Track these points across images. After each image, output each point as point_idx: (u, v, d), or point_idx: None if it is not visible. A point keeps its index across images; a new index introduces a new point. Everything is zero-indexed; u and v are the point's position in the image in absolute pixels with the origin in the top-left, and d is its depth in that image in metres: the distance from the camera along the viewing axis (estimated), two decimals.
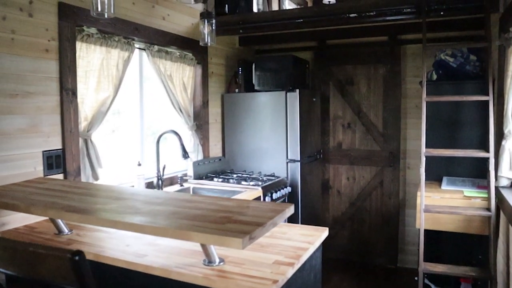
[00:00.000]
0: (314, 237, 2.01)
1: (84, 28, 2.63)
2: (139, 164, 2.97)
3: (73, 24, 2.52)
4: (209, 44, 2.93)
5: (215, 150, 4.05)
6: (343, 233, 4.56)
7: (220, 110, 4.13)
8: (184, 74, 3.59)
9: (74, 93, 2.55)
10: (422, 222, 2.78)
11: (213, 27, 2.86)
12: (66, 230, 2.06)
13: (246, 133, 3.99)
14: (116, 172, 3.06)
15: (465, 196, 2.88)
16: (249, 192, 3.13)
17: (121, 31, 2.87)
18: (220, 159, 3.91)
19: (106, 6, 1.98)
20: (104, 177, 2.92)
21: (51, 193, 1.95)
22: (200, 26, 2.85)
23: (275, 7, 5.08)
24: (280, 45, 4.62)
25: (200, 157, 3.73)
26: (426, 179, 3.18)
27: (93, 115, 2.73)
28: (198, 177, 3.52)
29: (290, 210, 1.61)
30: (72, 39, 2.52)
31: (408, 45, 4.16)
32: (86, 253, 1.85)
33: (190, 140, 3.67)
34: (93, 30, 2.70)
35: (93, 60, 2.72)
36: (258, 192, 3.17)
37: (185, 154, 3.04)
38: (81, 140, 2.64)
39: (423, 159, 2.85)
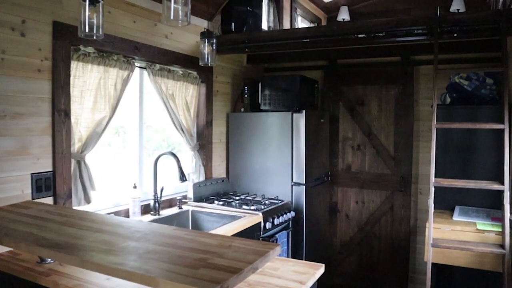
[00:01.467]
0: (308, 275, 1.86)
1: (81, 47, 2.57)
2: (135, 187, 2.88)
3: (68, 43, 2.46)
4: (209, 64, 2.84)
5: (219, 170, 3.94)
6: (350, 259, 4.37)
7: (225, 129, 4.03)
8: (187, 93, 3.51)
9: (67, 114, 2.47)
10: (430, 256, 2.60)
11: (214, 47, 2.77)
12: (48, 259, 1.97)
13: (251, 154, 3.88)
14: (112, 194, 2.97)
15: (478, 229, 2.70)
16: (249, 217, 3.00)
17: (120, 50, 2.81)
18: (223, 180, 3.80)
19: (94, 27, 1.90)
20: (99, 200, 2.84)
21: (31, 221, 1.85)
22: (200, 46, 2.77)
23: (286, 24, 5.00)
24: (289, 64, 4.51)
25: (202, 178, 3.63)
26: (437, 208, 3.01)
27: (88, 136, 2.65)
28: (198, 199, 3.41)
29: (276, 251, 1.47)
30: (67, 58, 2.46)
31: (421, 65, 4.01)
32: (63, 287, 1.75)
33: (192, 160, 3.57)
34: (90, 49, 2.64)
35: (89, 79, 2.65)
36: (259, 217, 3.04)
37: (183, 177, 2.94)
38: (73, 162, 2.56)
39: (432, 190, 2.68)
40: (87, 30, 1.89)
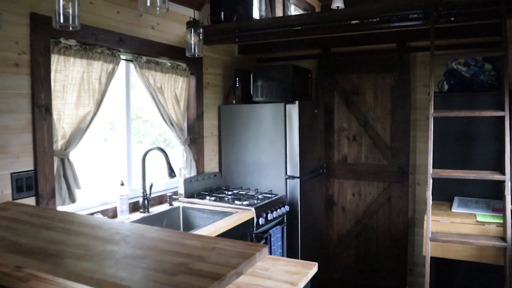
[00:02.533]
0: (300, 275, 1.77)
1: (61, 40, 2.45)
2: (122, 184, 2.78)
3: (47, 36, 2.34)
4: (196, 55, 2.72)
5: (211, 164, 3.84)
6: (348, 252, 4.30)
7: (217, 122, 3.92)
8: (176, 85, 3.40)
9: (48, 110, 2.37)
10: (429, 251, 2.52)
11: (201, 37, 2.66)
12: None
13: (244, 147, 3.78)
14: (99, 191, 2.87)
15: (478, 221, 2.61)
16: (241, 213, 2.91)
17: (104, 42, 2.69)
18: (215, 175, 3.70)
19: (70, 17, 1.78)
20: (86, 198, 2.74)
21: (8, 224, 1.76)
22: (187, 36, 2.65)
23: (279, 13, 4.88)
24: (282, 54, 4.40)
25: (194, 173, 3.53)
26: (436, 199, 2.92)
27: (72, 133, 2.55)
28: (189, 195, 3.31)
29: (262, 253, 1.38)
30: (46, 52, 2.34)
31: (418, 52, 3.89)
32: None
33: (183, 155, 3.47)
34: (72, 42, 2.52)
35: (72, 73, 2.54)
36: (251, 213, 2.95)
37: (172, 173, 2.84)
38: (57, 160, 2.46)
39: (430, 181, 2.59)
40: (61, 21, 1.78)
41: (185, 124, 3.59)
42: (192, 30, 2.62)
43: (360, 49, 4.09)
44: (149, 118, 3.43)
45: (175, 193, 3.34)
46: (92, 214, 2.57)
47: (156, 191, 3.29)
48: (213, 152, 3.87)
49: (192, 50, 2.67)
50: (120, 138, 3.05)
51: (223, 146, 3.90)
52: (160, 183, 3.35)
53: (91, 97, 2.64)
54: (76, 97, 2.58)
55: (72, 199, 2.50)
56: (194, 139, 3.59)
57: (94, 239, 1.54)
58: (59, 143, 2.48)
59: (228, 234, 2.64)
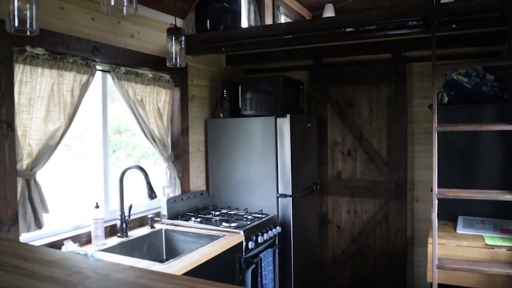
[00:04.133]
0: None
1: (27, 48, 2.21)
2: (97, 206, 2.52)
3: (9, 43, 2.09)
4: (178, 65, 2.50)
5: (198, 182, 3.59)
6: (344, 273, 4.05)
7: (204, 137, 3.68)
8: (159, 98, 3.17)
9: (10, 126, 2.11)
10: (435, 280, 2.29)
11: (183, 45, 2.44)
12: None
13: (232, 163, 3.54)
14: (72, 214, 2.61)
15: (486, 244, 2.39)
16: (229, 237, 2.66)
17: (76, 51, 2.45)
18: (202, 194, 3.45)
19: (27, 21, 1.55)
20: (57, 222, 2.48)
21: None
22: (168, 44, 2.43)
23: (268, 23, 4.68)
24: (273, 64, 4.19)
25: (178, 192, 3.27)
26: (438, 218, 2.70)
27: (40, 151, 2.29)
28: (173, 216, 3.06)
29: None
30: (8, 61, 2.10)
31: (414, 63, 3.71)
32: None
33: (166, 173, 3.23)
34: (39, 50, 2.28)
35: (40, 85, 2.30)
36: (240, 236, 2.70)
37: (152, 194, 2.59)
38: (21, 181, 2.20)
39: (435, 202, 2.36)
40: (16, 24, 1.54)
41: (169, 140, 3.35)
42: (173, 38, 2.40)
43: (354, 59, 3.90)
44: (138, 131, 3.16)
45: (158, 214, 3.08)
46: (62, 240, 2.31)
47: (137, 212, 3.03)
48: (199, 169, 3.63)
49: (174, 60, 2.44)
50: (97, 155, 2.79)
51: (210, 163, 3.66)
52: (142, 204, 3.10)
53: (61, 111, 2.39)
54: (45, 111, 2.33)
55: (39, 225, 2.24)
56: (178, 155, 3.35)
57: (48, 281, 1.29)
58: (24, 162, 2.22)
59: (215, 262, 2.39)
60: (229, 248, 2.56)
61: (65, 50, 2.38)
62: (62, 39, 2.36)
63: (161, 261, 2.66)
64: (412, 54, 3.68)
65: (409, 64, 3.72)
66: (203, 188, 3.66)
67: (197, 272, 2.21)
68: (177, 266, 2.11)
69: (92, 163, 2.79)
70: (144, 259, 2.64)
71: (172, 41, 2.40)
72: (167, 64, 2.50)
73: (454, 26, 2.51)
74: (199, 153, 3.62)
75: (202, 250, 2.37)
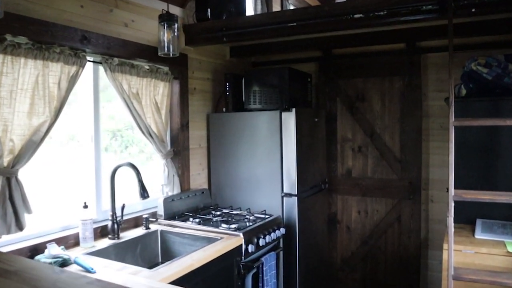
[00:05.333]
0: None
1: (7, 36, 2.06)
2: (85, 206, 2.36)
3: None
4: (170, 55, 2.32)
5: (199, 180, 3.42)
6: (353, 276, 3.84)
7: (206, 133, 3.51)
8: (156, 91, 3.00)
9: None
10: None
11: (176, 33, 2.26)
12: None
13: (235, 160, 3.36)
14: (60, 214, 2.46)
15: (509, 252, 2.16)
16: (227, 239, 2.48)
17: (63, 40, 2.29)
18: (202, 192, 3.27)
19: None
20: (44, 223, 2.34)
21: None
22: (159, 32, 2.25)
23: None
24: (279, 56, 4.00)
25: (177, 190, 3.11)
26: (455, 221, 2.47)
27: (22, 146, 2.14)
28: (170, 216, 2.89)
29: None
30: None
31: (430, 53, 3.47)
32: None
33: (164, 170, 3.06)
34: (21, 39, 2.12)
35: (23, 76, 2.14)
36: (239, 239, 2.52)
37: (144, 193, 2.42)
38: (1, 179, 2.05)
39: (452, 205, 2.14)
40: None
41: (168, 135, 3.19)
42: (165, 25, 2.21)
43: (365, 50, 3.68)
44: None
45: (154, 214, 2.91)
46: (46, 243, 2.15)
47: (132, 212, 2.88)
48: (201, 166, 3.45)
49: (166, 49, 2.26)
50: (87, 152, 2.64)
51: (212, 159, 3.48)
52: (138, 203, 2.94)
53: (46, 104, 2.23)
54: (29, 105, 2.18)
55: (20, 226, 2.09)
56: (178, 151, 3.18)
57: None
58: (4, 159, 2.07)
59: (210, 267, 2.22)
60: (227, 252, 2.38)
61: (51, 39, 2.22)
62: (47, 27, 2.19)
63: (156, 264, 2.51)
64: (427, 44, 3.44)
65: (424, 55, 3.48)
66: (205, 186, 3.49)
67: (188, 279, 2.04)
68: (167, 273, 1.94)
69: (83, 160, 2.63)
70: (135, 263, 2.49)
71: (164, 28, 2.21)
72: (159, 53, 2.32)
73: (473, 10, 2.27)
74: (200, 149, 3.44)
75: (195, 255, 2.19)
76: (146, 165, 3.16)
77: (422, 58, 3.49)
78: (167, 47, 2.25)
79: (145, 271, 1.96)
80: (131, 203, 2.86)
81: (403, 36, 3.24)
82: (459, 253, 2.23)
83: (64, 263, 2.03)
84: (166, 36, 2.22)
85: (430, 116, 3.51)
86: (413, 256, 3.56)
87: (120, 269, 1.98)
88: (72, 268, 2.00)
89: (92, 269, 1.94)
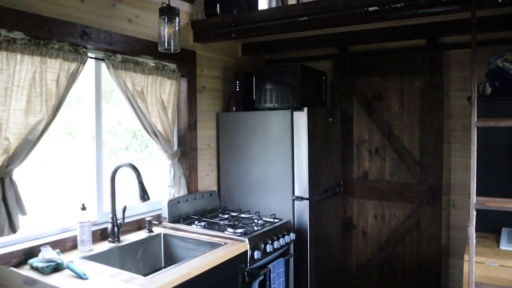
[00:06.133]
0: None
1: (2, 32, 1.98)
2: (83, 208, 2.27)
3: None
4: (172, 50, 2.20)
5: (208, 181, 3.31)
6: (369, 284, 3.66)
7: (215, 132, 3.39)
8: (162, 89, 2.90)
9: None
10: None
11: (177, 27, 2.14)
12: None
13: (245, 161, 3.23)
14: (58, 216, 2.37)
15: None
16: (231, 245, 2.35)
17: (61, 36, 2.20)
18: (210, 194, 3.16)
19: None
20: (42, 224, 2.26)
21: None
22: (159, 27, 2.14)
23: None
24: (294, 54, 3.85)
25: (183, 192, 3.00)
26: (478, 230, 2.29)
27: (18, 146, 2.06)
28: (175, 219, 2.78)
29: None
30: None
31: (452, 50, 3.27)
32: None
33: (170, 171, 2.95)
34: (17, 34, 2.04)
35: (19, 73, 2.06)
36: (243, 245, 2.38)
37: (144, 195, 2.32)
38: None
39: (473, 214, 1.96)
40: None
41: (175, 135, 3.08)
42: (166, 19, 2.10)
43: (383, 47, 3.50)
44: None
45: (159, 216, 2.81)
46: (41, 245, 2.07)
47: (136, 214, 2.79)
48: (210, 167, 3.34)
49: (166, 44, 2.15)
50: (89, 151, 2.55)
51: (221, 160, 3.36)
52: (142, 205, 2.84)
53: (44, 102, 2.15)
54: (26, 102, 2.10)
55: (13, 229, 2.01)
56: (185, 152, 3.07)
57: None
58: None
59: (210, 274, 2.09)
60: (230, 259, 2.25)
61: (48, 34, 2.14)
62: (43, 23, 2.11)
63: (159, 269, 2.40)
64: (449, 39, 3.24)
65: (446, 52, 3.28)
66: (214, 188, 3.37)
67: (188, 287, 1.92)
68: (162, 281, 1.82)
69: (84, 161, 2.55)
70: (135, 268, 2.40)
71: (165, 22, 2.10)
72: (159, 49, 2.21)
73: (499, 1, 2.08)
74: (209, 150, 3.33)
75: (195, 262, 2.06)
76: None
77: (444, 55, 3.29)
78: (167, 42, 2.14)
79: (139, 278, 1.84)
80: (136, 205, 2.77)
81: (423, 32, 3.05)
82: (482, 265, 2.04)
83: (57, 267, 1.94)
84: (166, 30, 2.11)
85: (452, 117, 3.31)
86: (433, 264, 3.36)
87: (113, 275, 1.87)
88: (65, 273, 1.91)
89: (84, 275, 1.85)
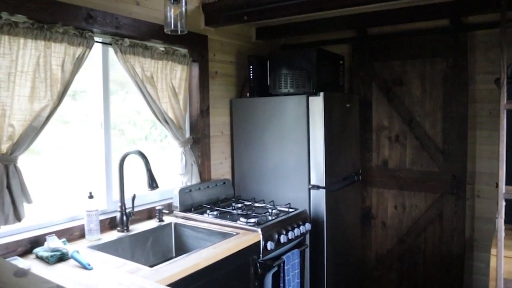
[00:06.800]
0: None
1: (3, 15, 1.91)
2: (91, 196, 2.21)
3: None
4: (179, 32, 2.10)
5: (221, 170, 3.22)
6: (388, 277, 3.54)
7: (229, 119, 3.29)
8: (173, 75, 2.81)
9: None
10: None
11: (184, 7, 2.04)
12: None
13: (259, 149, 3.13)
14: (67, 204, 2.33)
15: None
16: (243, 235, 2.26)
17: (65, 19, 2.13)
18: (224, 183, 3.07)
19: None
20: (49, 213, 2.22)
21: None
22: (165, 8, 2.04)
23: None
24: (310, 38, 3.71)
25: (196, 180, 2.92)
26: (505, 222, 2.14)
27: (22, 133, 2.01)
28: (187, 208, 2.71)
29: None
30: None
31: (478, 31, 3.08)
32: None
33: (182, 159, 2.87)
34: (19, 17, 1.97)
35: (23, 58, 2.00)
36: (256, 235, 2.29)
37: (153, 183, 2.24)
38: None
39: (502, 204, 1.81)
40: None
41: (187, 122, 3.00)
42: (171, 0, 2.00)
43: (404, 28, 3.33)
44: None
45: (170, 205, 2.74)
46: (47, 234, 2.02)
47: (147, 203, 2.73)
48: (223, 155, 3.25)
49: (172, 25, 2.05)
50: (97, 139, 2.49)
51: (235, 148, 3.27)
52: (154, 193, 2.77)
53: (48, 88, 2.09)
54: (30, 88, 2.04)
55: (18, 217, 1.96)
56: (197, 139, 2.99)
57: None
58: (2, 146, 1.94)
59: (219, 266, 2.01)
60: (241, 250, 2.16)
61: (51, 17, 2.06)
62: (46, 5, 2.03)
63: (170, 259, 2.34)
64: (474, 19, 3.05)
65: (471, 33, 3.09)
66: (228, 176, 3.29)
67: (193, 279, 1.84)
68: (168, 272, 1.75)
69: (94, 147, 2.49)
70: (144, 258, 2.34)
71: (171, 2, 2.00)
72: (165, 30, 2.11)
73: None
74: (223, 137, 3.24)
75: (204, 253, 1.98)
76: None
77: (469, 37, 3.10)
78: (174, 23, 2.04)
79: (145, 269, 1.77)
80: (147, 194, 2.70)
81: (447, 11, 2.86)
82: (510, 260, 1.90)
83: (62, 257, 1.89)
84: (172, 11, 2.01)
85: (477, 102, 3.13)
86: (456, 257, 3.21)
87: (119, 266, 1.81)
88: (70, 263, 1.85)
89: (89, 265, 1.79)
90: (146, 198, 2.73)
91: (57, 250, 1.91)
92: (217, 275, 1.99)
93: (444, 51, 3.18)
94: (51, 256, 1.87)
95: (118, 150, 2.56)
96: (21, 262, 1.83)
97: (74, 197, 2.36)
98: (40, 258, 1.90)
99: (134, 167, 2.51)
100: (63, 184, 2.37)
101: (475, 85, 3.13)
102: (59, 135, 2.37)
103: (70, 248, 1.93)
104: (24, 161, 2.04)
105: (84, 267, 1.78)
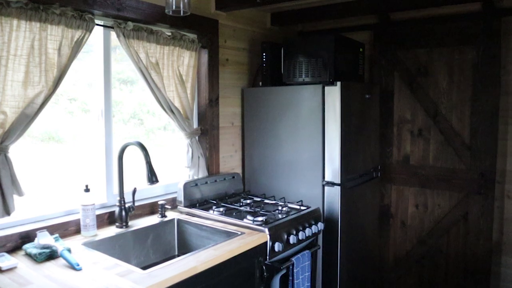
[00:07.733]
0: None
1: None
2: (87, 189, 2.08)
3: None
4: (181, 13, 1.93)
5: (231, 163, 3.06)
6: (407, 280, 3.33)
7: (240, 110, 3.12)
8: (180, 62, 2.65)
9: None
10: None
11: None
12: None
13: (271, 142, 2.95)
14: (63, 197, 2.20)
15: None
16: (248, 236, 2.10)
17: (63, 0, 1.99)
18: (233, 177, 2.91)
19: None
20: (44, 206, 2.10)
21: None
22: None
23: None
24: (329, 24, 3.49)
25: (203, 174, 2.77)
26: None
27: (14, 120, 1.88)
28: (191, 203, 2.56)
29: None
30: None
31: None
32: None
33: (188, 151, 2.72)
34: None
35: (16, 41, 1.87)
36: (263, 236, 2.12)
37: (152, 177, 2.09)
38: None
39: None
40: None
41: (195, 112, 2.85)
42: None
43: (430, 14, 3.08)
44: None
45: (174, 200, 2.60)
46: (40, 229, 1.90)
47: (150, 197, 2.60)
48: (233, 147, 3.09)
49: (174, 5, 1.88)
50: (97, 129, 2.35)
51: (246, 140, 3.10)
52: (158, 187, 2.64)
53: (43, 73, 1.96)
54: (24, 73, 1.91)
55: (7, 210, 1.84)
56: (205, 130, 2.83)
57: None
58: None
59: (221, 269, 1.85)
60: (246, 251, 1.99)
61: None
62: None
63: (172, 257, 2.21)
64: (509, 3, 2.78)
65: (505, 18, 2.82)
66: (238, 170, 3.13)
67: (191, 284, 1.69)
68: (162, 276, 1.59)
69: (93, 138, 2.36)
70: (144, 256, 2.21)
71: None
72: (166, 11, 1.94)
73: None
74: (233, 128, 3.07)
75: (203, 255, 1.83)
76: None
77: (503, 22, 2.84)
78: (175, 3, 1.87)
79: (136, 272, 1.63)
80: (150, 187, 2.57)
81: None
82: None
83: (52, 255, 1.76)
84: None
85: (510, 94, 2.87)
86: (482, 262, 2.98)
87: (110, 267, 1.67)
88: (59, 262, 1.72)
89: (78, 265, 1.65)
90: (149, 191, 2.60)
91: (47, 248, 1.78)
92: (217, 279, 1.83)
93: (474, 39, 2.93)
94: (40, 253, 1.74)
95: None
96: (7, 259, 1.70)
97: (72, 189, 2.24)
98: (28, 255, 1.78)
99: (137, 159, 2.37)
100: (61, 176, 2.25)
101: (508, 76, 2.87)
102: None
103: (62, 245, 1.80)
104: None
105: (73, 267, 1.65)
